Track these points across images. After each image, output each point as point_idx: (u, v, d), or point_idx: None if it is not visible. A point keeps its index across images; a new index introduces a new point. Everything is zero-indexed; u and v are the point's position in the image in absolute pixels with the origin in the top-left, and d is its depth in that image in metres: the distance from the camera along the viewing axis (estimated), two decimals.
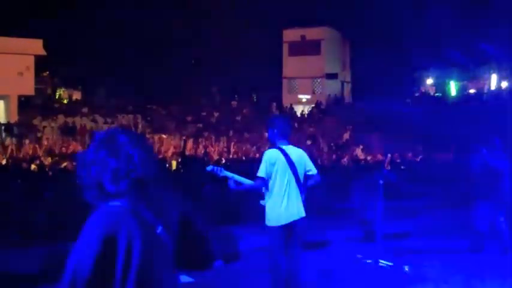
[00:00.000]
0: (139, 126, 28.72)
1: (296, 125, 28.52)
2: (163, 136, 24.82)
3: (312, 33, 34.73)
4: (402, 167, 15.99)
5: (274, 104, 34.02)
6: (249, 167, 14.41)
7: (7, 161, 15.20)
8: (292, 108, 32.93)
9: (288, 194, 5.42)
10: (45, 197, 10.16)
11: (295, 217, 5.44)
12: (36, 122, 27.16)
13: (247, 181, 5.67)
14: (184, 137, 22.15)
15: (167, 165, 15.07)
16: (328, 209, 12.55)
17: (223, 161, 16.01)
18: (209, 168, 5.82)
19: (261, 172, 5.41)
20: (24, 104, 29.70)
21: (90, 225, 2.04)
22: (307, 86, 35.93)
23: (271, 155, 5.47)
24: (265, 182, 5.42)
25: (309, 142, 23.50)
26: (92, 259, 1.94)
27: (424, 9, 27.92)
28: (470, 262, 7.74)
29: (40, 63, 29.99)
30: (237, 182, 5.58)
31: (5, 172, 12.55)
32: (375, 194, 7.67)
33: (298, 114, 32.53)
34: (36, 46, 28.41)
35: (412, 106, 29.89)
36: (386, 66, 30.23)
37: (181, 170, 14.08)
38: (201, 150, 21.00)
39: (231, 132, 27.16)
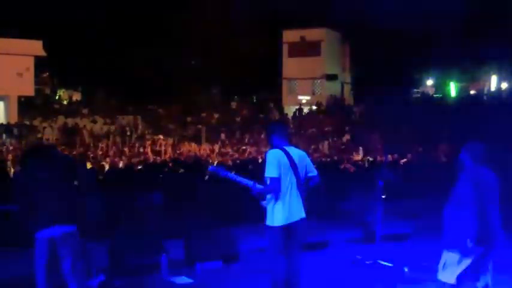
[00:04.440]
0: (139, 127, 28.74)
1: (297, 125, 28.56)
2: (161, 137, 24.90)
3: (312, 34, 34.72)
4: (402, 168, 15.98)
5: (272, 104, 34.03)
6: (249, 167, 14.43)
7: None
8: (301, 110, 32.73)
9: (289, 194, 5.43)
10: None
11: (296, 218, 5.44)
12: (36, 122, 27.16)
13: (248, 182, 5.69)
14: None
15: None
16: (328, 210, 12.56)
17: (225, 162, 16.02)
18: (211, 168, 5.85)
19: (274, 172, 5.40)
20: (24, 104, 29.70)
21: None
22: (307, 87, 35.93)
23: (276, 155, 5.47)
24: (280, 181, 5.40)
25: (309, 143, 23.50)
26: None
27: (424, 10, 27.92)
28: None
29: (40, 64, 30.00)
30: (257, 187, 5.58)
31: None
32: (375, 194, 7.68)
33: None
34: (36, 47, 28.43)
35: (412, 107, 29.89)
36: (386, 67, 30.23)
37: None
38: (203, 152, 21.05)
39: (229, 133, 27.20)
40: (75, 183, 5.07)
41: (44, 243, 4.74)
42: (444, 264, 5.06)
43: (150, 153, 20.43)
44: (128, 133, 26.71)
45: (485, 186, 4.99)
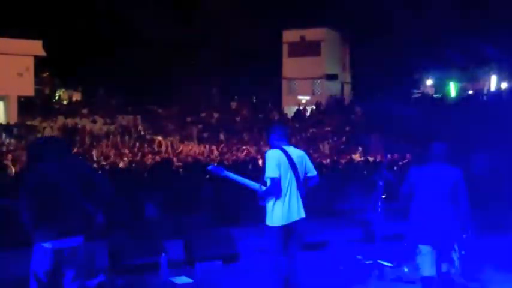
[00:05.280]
0: (139, 127, 28.73)
1: (297, 125, 28.56)
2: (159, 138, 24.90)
3: (312, 34, 34.72)
4: (402, 168, 15.97)
5: (271, 105, 34.04)
6: (249, 167, 14.42)
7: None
8: (300, 110, 32.70)
9: (289, 194, 5.43)
10: None
11: (295, 217, 5.44)
12: (36, 122, 27.15)
13: (248, 181, 5.69)
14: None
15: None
16: (327, 210, 12.56)
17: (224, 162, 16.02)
18: (210, 167, 5.84)
19: (274, 173, 5.40)
20: (24, 104, 29.69)
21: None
22: (306, 87, 35.92)
23: (275, 155, 5.47)
24: (280, 181, 5.40)
25: (308, 143, 23.51)
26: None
27: (424, 10, 27.94)
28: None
29: (40, 64, 29.99)
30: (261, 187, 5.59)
31: None
32: (375, 194, 7.67)
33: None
34: (35, 47, 28.42)
35: (412, 107, 29.89)
36: (386, 67, 30.24)
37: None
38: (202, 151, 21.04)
39: (230, 133, 27.21)
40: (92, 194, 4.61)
41: (49, 255, 4.41)
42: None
43: (149, 154, 20.44)
44: (142, 133, 26.65)
45: (428, 182, 5.54)
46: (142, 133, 27.37)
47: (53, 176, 4.41)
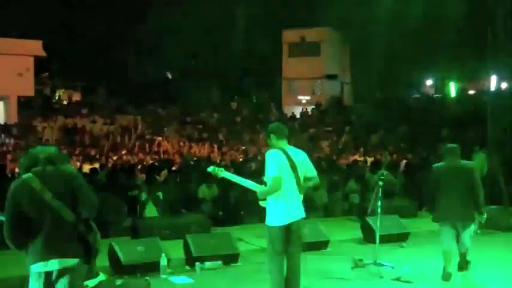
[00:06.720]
0: (139, 127, 28.70)
1: (297, 125, 28.57)
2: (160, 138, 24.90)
3: (312, 34, 34.71)
4: (402, 168, 15.98)
5: (271, 105, 34.02)
6: (249, 167, 14.44)
7: None
8: (303, 111, 32.67)
9: (289, 194, 5.44)
10: None
11: (296, 217, 5.45)
12: (36, 123, 27.13)
13: (247, 182, 5.71)
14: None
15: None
16: (327, 210, 12.59)
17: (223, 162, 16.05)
18: (210, 168, 5.86)
19: (274, 171, 5.41)
20: (24, 104, 29.66)
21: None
22: (306, 87, 35.91)
23: (275, 155, 5.48)
24: (281, 181, 5.41)
25: (309, 143, 23.50)
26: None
27: (424, 9, 27.92)
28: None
29: (40, 64, 29.97)
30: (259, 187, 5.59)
31: None
32: (375, 194, 7.68)
33: (298, 115, 32.44)
34: (35, 47, 28.38)
35: (412, 107, 29.92)
36: (386, 67, 30.23)
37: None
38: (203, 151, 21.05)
39: (230, 133, 27.21)
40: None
41: (40, 278, 3.98)
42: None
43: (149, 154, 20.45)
44: (142, 133, 26.49)
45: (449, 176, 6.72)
46: (143, 133, 27.34)
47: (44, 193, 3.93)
